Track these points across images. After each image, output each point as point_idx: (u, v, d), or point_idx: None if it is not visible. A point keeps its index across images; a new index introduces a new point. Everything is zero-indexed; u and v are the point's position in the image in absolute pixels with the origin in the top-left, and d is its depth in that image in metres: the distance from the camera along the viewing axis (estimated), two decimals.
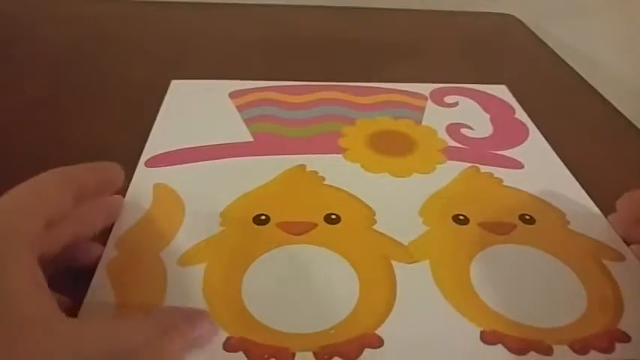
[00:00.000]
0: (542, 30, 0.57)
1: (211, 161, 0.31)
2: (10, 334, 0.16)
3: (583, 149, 0.34)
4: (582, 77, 0.47)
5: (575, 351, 0.21)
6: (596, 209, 0.29)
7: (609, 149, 0.36)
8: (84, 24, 0.52)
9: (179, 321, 0.20)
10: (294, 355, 0.20)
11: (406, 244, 0.26)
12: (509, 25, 0.59)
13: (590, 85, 0.46)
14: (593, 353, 0.21)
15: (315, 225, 0.27)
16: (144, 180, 0.29)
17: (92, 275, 0.23)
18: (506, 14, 0.61)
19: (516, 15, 0.61)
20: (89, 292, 0.23)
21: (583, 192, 0.31)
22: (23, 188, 0.20)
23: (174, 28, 0.52)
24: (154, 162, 0.31)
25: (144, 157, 0.31)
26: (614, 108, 0.42)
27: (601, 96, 0.44)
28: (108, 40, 0.49)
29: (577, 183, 0.31)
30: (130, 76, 0.42)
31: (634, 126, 0.40)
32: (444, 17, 0.61)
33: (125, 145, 0.32)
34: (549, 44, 0.54)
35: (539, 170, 0.32)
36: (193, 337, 0.20)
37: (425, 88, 0.41)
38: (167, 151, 0.32)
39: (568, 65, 0.49)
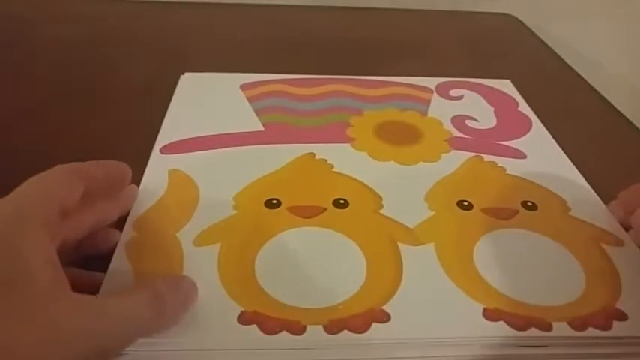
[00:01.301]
0: (543, 30, 0.58)
1: (224, 149, 0.32)
2: (24, 302, 0.17)
3: (583, 149, 0.35)
4: (582, 77, 0.48)
5: (574, 328, 0.22)
6: (596, 197, 0.30)
7: (609, 149, 0.37)
8: (85, 24, 0.52)
9: (166, 288, 0.21)
10: (304, 327, 0.21)
11: (412, 227, 0.27)
12: (509, 25, 0.60)
13: (590, 84, 0.46)
14: (590, 330, 0.22)
15: (325, 209, 0.28)
16: (159, 166, 0.31)
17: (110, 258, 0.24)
18: (506, 14, 0.62)
19: (516, 15, 0.61)
20: (109, 269, 0.24)
21: (584, 181, 0.31)
22: (36, 178, 0.21)
23: (176, 28, 0.53)
24: (169, 149, 0.32)
25: (158, 145, 0.32)
26: (614, 108, 0.43)
27: (601, 96, 0.45)
28: (110, 40, 0.49)
29: (578, 172, 0.32)
30: (133, 76, 0.43)
31: (634, 126, 0.40)
32: (445, 17, 0.61)
33: (127, 143, 0.33)
34: (549, 44, 0.55)
35: (542, 160, 0.33)
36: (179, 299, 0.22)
37: (430, 82, 0.42)
38: (181, 139, 0.33)
39: (568, 65, 0.50)
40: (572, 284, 0.24)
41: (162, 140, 0.33)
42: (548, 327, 0.22)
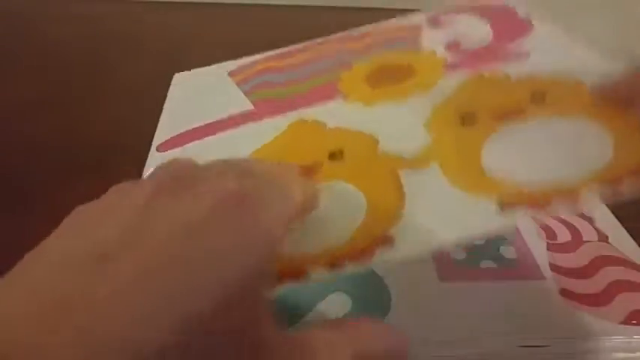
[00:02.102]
0: None
1: (218, 134, 0.32)
2: None
3: None
4: None
5: (610, 184, 0.19)
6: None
7: None
8: (85, 24, 0.53)
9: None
10: (307, 272, 0.20)
11: (413, 156, 0.25)
12: None
13: None
14: (627, 183, 0.19)
15: (321, 164, 0.27)
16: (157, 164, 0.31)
17: None
18: None
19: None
20: None
21: (602, 60, 0.28)
22: None
23: (176, 28, 0.54)
24: (165, 146, 0.32)
25: (155, 144, 0.32)
26: None
27: None
28: (110, 40, 0.50)
29: (595, 51, 0.29)
30: (132, 75, 0.43)
31: None
32: None
33: (127, 142, 0.33)
34: None
35: (549, 52, 0.30)
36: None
37: (420, 19, 0.40)
38: (175, 134, 0.33)
39: None
40: (599, 151, 0.21)
41: (157, 139, 0.33)
42: (576, 198, 0.19)
